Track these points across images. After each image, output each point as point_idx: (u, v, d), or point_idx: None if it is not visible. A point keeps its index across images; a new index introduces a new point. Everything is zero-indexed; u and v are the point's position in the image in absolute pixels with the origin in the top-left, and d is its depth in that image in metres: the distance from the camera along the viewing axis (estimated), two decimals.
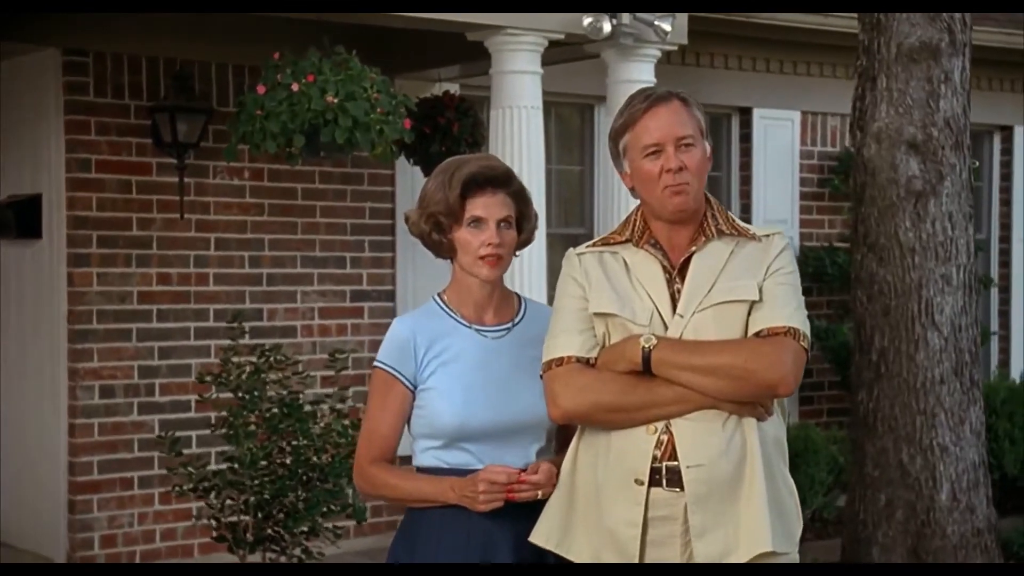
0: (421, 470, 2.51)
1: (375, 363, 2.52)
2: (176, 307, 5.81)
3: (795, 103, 7.39)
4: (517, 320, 2.57)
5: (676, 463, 2.34)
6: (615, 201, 5.48)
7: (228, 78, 5.88)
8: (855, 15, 5.52)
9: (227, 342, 4.97)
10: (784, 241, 2.45)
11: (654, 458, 2.35)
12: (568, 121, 7.05)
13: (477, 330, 2.52)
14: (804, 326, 2.40)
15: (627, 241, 2.48)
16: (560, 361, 2.41)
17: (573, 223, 7.05)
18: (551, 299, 2.59)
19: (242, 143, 4.91)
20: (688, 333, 2.39)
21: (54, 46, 5.57)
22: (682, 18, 5.42)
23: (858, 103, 5.70)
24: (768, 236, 2.46)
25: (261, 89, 4.76)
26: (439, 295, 2.58)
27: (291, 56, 4.85)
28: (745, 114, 7.33)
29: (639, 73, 5.35)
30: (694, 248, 2.44)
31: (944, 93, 5.51)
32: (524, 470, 2.44)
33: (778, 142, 7.38)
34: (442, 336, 2.50)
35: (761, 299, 2.38)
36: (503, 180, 2.52)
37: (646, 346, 2.35)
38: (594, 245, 2.52)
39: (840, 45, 6.93)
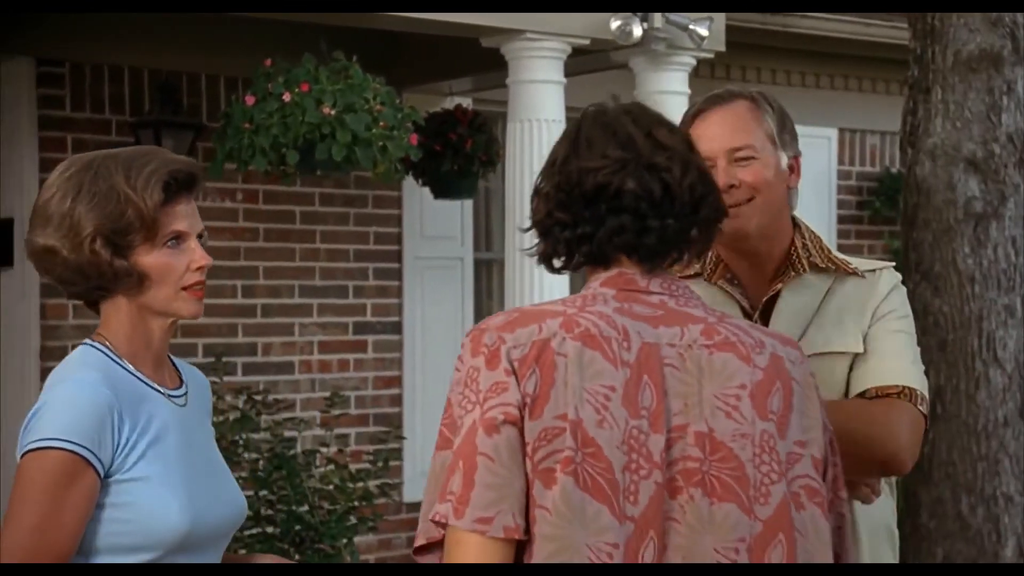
0: None
1: (48, 442, 1.72)
2: None
3: (832, 119, 7.05)
4: (185, 379, 1.94)
5: None
6: None
7: (219, 90, 5.52)
8: (901, 24, 5.16)
9: (214, 379, 4.52)
10: (895, 278, 1.98)
11: None
12: None
13: (167, 395, 1.86)
14: (922, 385, 1.92)
15: (697, 275, 2.02)
16: None
17: None
18: None
19: (229, 160, 4.48)
20: None
21: (26, 55, 5.23)
22: (719, 23, 4.97)
23: (909, 117, 5.22)
24: (874, 271, 1.99)
25: (250, 100, 4.33)
26: (104, 344, 1.84)
27: (284, 63, 4.41)
28: None
29: (671, 83, 4.92)
30: (780, 286, 1.97)
31: (1006, 106, 5.06)
32: None
33: (814, 161, 6.95)
34: (139, 403, 1.81)
35: (867, 350, 1.94)
36: (199, 181, 1.87)
37: None
38: None
39: (881, 57, 6.64)
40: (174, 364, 1.94)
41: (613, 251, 1.52)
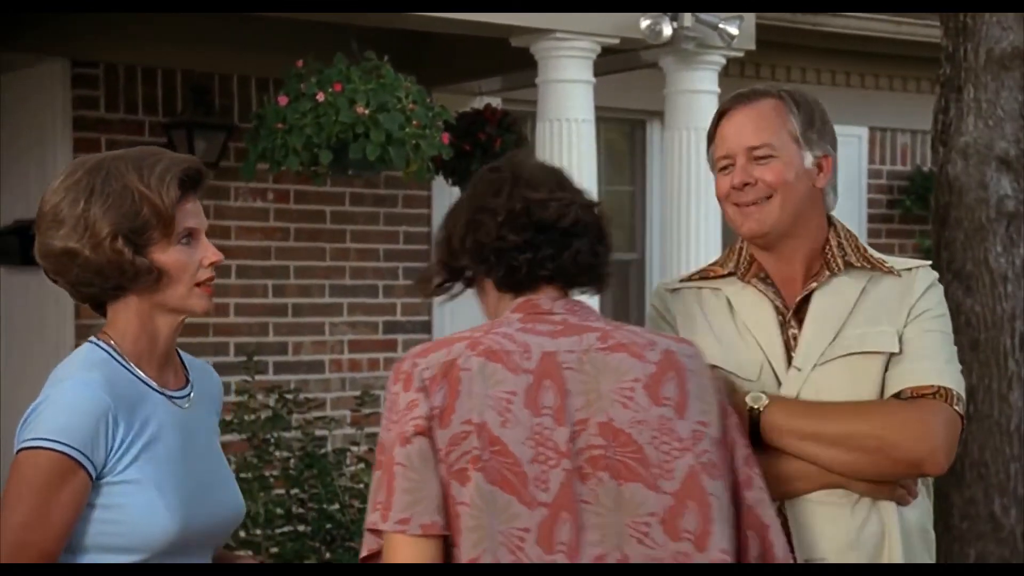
0: None
1: (42, 442, 1.74)
2: (193, 340, 5.42)
3: (863, 118, 7.00)
4: (192, 379, 1.94)
5: (792, 556, 1.88)
6: (674, 225, 5.01)
7: (250, 91, 5.55)
8: (932, 22, 5.12)
9: (245, 378, 4.54)
10: (931, 277, 1.97)
11: None
12: (616, 138, 6.65)
13: (169, 397, 1.87)
14: (958, 385, 1.91)
15: (731, 274, 2.02)
16: None
17: (622, 248, 6.65)
18: None
19: (262, 160, 4.50)
20: (807, 391, 1.93)
21: (62, 56, 5.27)
22: (749, 21, 4.96)
23: (941, 116, 5.16)
24: (910, 270, 1.99)
25: (283, 100, 4.33)
26: (109, 343, 1.84)
27: (316, 63, 4.42)
28: None
29: (701, 82, 4.91)
30: (814, 284, 1.97)
31: None
32: None
33: (844, 160, 6.88)
34: (137, 406, 1.82)
35: (902, 350, 1.92)
36: (205, 179, 1.90)
37: (754, 407, 1.90)
38: (690, 279, 2.06)
39: (913, 55, 6.58)
40: (183, 363, 1.94)
41: (575, 271, 1.74)
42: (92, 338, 1.85)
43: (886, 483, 1.89)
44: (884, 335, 1.92)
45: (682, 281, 2.05)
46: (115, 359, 1.82)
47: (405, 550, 1.60)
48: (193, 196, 1.86)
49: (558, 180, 1.78)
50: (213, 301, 1.88)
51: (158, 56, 5.33)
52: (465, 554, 1.61)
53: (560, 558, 1.62)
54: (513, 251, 1.72)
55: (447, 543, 1.62)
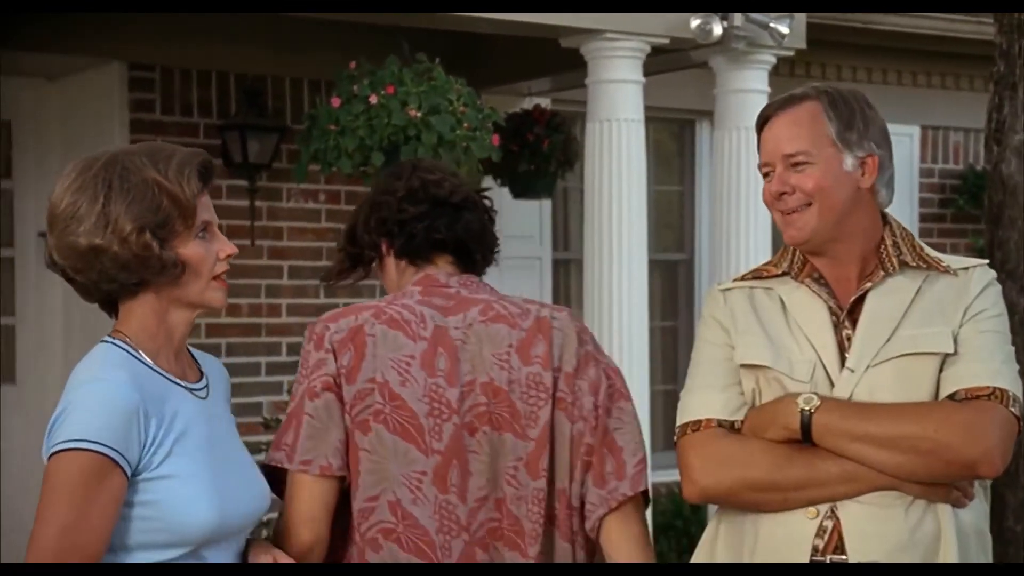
0: None
1: (75, 444, 1.71)
2: (246, 340, 5.52)
3: (914, 117, 6.95)
4: (204, 370, 1.94)
5: (844, 557, 1.90)
6: (723, 225, 5.00)
7: (302, 93, 5.60)
8: (986, 20, 5.07)
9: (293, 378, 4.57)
10: (988, 276, 1.96)
11: (815, 549, 1.92)
12: (665, 138, 6.64)
13: (189, 389, 1.86)
14: (1014, 386, 1.91)
15: (784, 274, 2.02)
16: (697, 425, 1.99)
17: (671, 248, 6.64)
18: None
19: (314, 162, 4.53)
20: (860, 393, 1.93)
21: (118, 60, 5.34)
22: (800, 20, 4.93)
23: (995, 114, 5.11)
24: (967, 269, 1.98)
25: (335, 102, 4.36)
26: (125, 341, 1.82)
27: (368, 65, 4.45)
28: None
29: (752, 82, 4.90)
30: (869, 284, 1.97)
31: None
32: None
33: (896, 159, 6.82)
34: (163, 400, 1.80)
35: (957, 351, 1.92)
36: (214, 173, 1.91)
37: (806, 408, 1.90)
38: (743, 279, 2.07)
39: (965, 53, 6.53)
40: (192, 356, 1.94)
41: (468, 239, 2.00)
42: (106, 337, 1.83)
43: (941, 485, 1.89)
44: (939, 336, 1.91)
45: (735, 281, 2.06)
46: (134, 356, 1.80)
47: (304, 486, 1.89)
48: (206, 190, 1.85)
49: (452, 171, 2.08)
50: (227, 295, 1.87)
51: (212, 59, 5.38)
52: (364, 492, 1.89)
53: (452, 497, 1.89)
54: (413, 221, 1.99)
55: (344, 483, 1.90)
